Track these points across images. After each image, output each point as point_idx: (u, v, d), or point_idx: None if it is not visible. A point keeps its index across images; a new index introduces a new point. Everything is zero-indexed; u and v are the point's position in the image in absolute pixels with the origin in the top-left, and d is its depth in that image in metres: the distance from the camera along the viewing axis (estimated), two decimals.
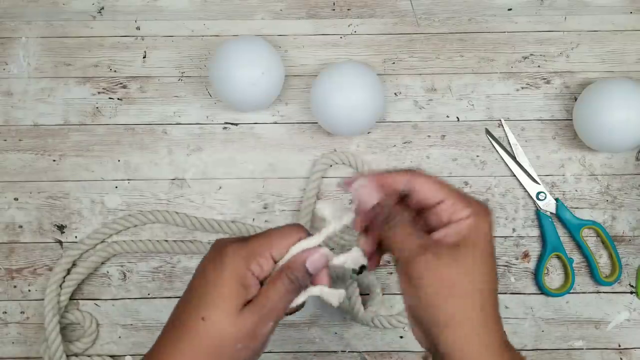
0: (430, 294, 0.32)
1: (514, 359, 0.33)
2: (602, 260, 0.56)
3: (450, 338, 0.32)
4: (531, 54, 0.57)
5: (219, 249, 0.35)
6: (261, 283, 0.36)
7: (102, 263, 0.55)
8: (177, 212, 0.55)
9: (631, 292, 0.55)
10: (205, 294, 0.34)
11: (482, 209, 0.34)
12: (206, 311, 0.34)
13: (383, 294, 0.55)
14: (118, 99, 0.57)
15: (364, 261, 0.37)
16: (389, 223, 0.34)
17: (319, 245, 0.36)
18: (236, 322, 0.34)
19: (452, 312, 0.32)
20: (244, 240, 0.36)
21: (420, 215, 0.36)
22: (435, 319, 0.32)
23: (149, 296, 0.56)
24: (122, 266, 0.56)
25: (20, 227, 0.56)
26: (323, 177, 0.56)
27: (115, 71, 0.57)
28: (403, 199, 0.35)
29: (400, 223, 0.34)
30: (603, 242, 0.55)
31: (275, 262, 0.36)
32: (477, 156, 0.56)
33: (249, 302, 0.34)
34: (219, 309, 0.34)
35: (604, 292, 0.56)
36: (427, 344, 0.34)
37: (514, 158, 0.53)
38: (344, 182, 0.36)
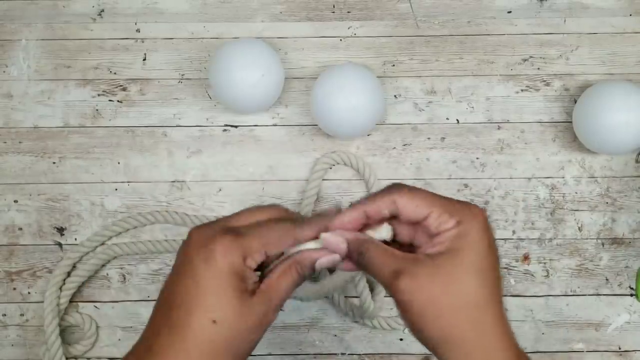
0: (417, 316, 0.32)
1: None
2: None
3: (453, 358, 0.32)
4: (531, 57, 0.57)
5: (205, 243, 0.33)
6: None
7: (102, 265, 0.55)
8: (176, 212, 0.55)
9: (631, 295, 0.55)
10: (206, 293, 0.32)
11: (470, 215, 0.33)
12: (216, 313, 0.32)
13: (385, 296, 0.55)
14: (118, 101, 0.57)
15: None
16: (363, 260, 0.34)
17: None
18: (246, 317, 0.33)
19: (444, 332, 0.31)
20: (232, 233, 0.34)
21: (416, 230, 0.35)
22: (431, 342, 0.32)
23: (149, 299, 0.56)
24: (121, 268, 0.56)
25: (20, 229, 0.56)
26: (323, 179, 0.56)
27: (115, 73, 0.57)
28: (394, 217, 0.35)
29: (372, 254, 0.34)
30: None
31: (268, 256, 0.35)
32: (477, 158, 0.56)
33: (253, 291, 0.34)
34: (228, 309, 0.32)
35: (604, 295, 0.56)
36: None
37: None
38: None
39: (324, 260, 0.36)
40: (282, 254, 0.36)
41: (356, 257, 0.35)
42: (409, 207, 0.34)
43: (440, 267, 0.32)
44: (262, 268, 0.36)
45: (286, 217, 0.37)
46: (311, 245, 0.36)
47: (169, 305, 0.33)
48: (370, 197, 0.35)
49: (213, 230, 0.34)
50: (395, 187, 0.35)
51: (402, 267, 0.32)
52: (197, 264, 0.33)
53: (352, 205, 0.36)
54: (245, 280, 0.33)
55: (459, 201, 0.34)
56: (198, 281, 0.32)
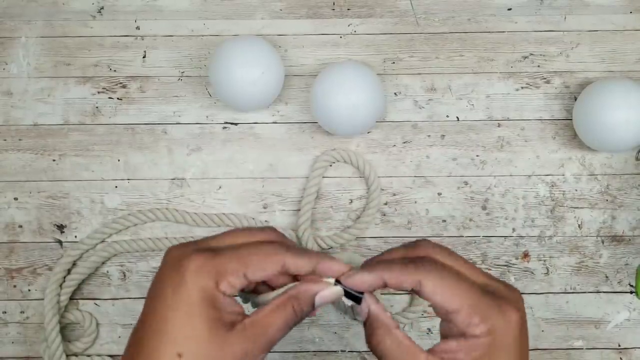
0: None
1: None
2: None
3: None
4: (531, 54, 0.57)
5: (177, 264, 0.30)
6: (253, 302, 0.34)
7: (102, 263, 0.56)
8: (176, 210, 0.55)
9: (631, 292, 0.55)
10: (173, 323, 0.29)
11: (503, 321, 0.30)
12: (182, 346, 0.29)
13: (382, 293, 0.55)
14: (118, 98, 0.57)
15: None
16: (376, 344, 0.31)
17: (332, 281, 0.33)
18: (219, 352, 0.29)
19: None
20: (208, 252, 0.30)
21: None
22: None
23: None
24: (122, 266, 0.56)
25: (20, 226, 0.56)
26: (323, 177, 0.56)
27: (115, 71, 0.57)
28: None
29: (389, 346, 0.31)
30: None
31: (250, 281, 0.31)
32: (477, 156, 0.56)
33: (232, 324, 0.30)
34: (196, 341, 0.29)
35: (603, 292, 0.56)
36: None
37: None
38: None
39: (326, 293, 0.32)
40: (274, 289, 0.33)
41: (367, 334, 0.32)
42: (435, 296, 0.30)
43: None
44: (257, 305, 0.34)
45: (278, 241, 0.33)
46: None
47: (140, 334, 0.31)
48: (394, 265, 0.31)
49: (188, 250, 0.31)
50: (424, 266, 0.31)
51: None
52: (167, 289, 0.30)
53: (370, 265, 0.32)
54: (218, 308, 0.30)
55: (492, 296, 0.30)
56: (166, 309, 0.30)
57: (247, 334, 0.30)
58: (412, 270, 0.31)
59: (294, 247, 0.32)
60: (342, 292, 0.32)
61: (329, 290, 0.32)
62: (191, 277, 0.29)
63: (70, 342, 0.55)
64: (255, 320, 0.31)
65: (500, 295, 0.31)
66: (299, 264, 0.32)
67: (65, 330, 0.56)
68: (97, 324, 0.56)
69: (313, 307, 0.32)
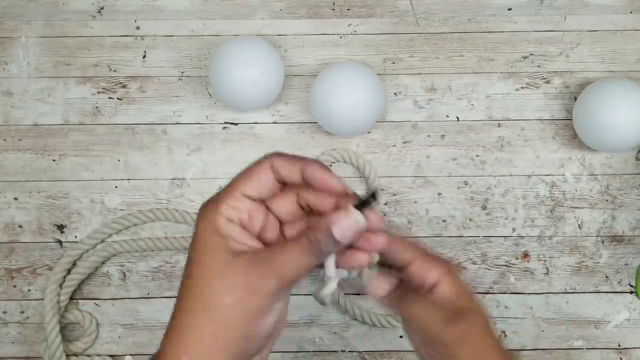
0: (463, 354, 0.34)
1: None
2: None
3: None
4: (531, 54, 0.57)
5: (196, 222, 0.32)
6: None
7: (102, 263, 0.56)
8: (176, 210, 0.55)
9: (631, 292, 0.55)
10: (189, 259, 0.30)
11: (448, 268, 0.35)
12: (189, 269, 0.30)
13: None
14: (118, 98, 0.57)
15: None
16: (408, 302, 0.35)
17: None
18: (222, 273, 0.29)
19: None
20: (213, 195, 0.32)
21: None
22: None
23: (149, 296, 0.56)
24: (122, 266, 0.56)
25: (20, 226, 0.56)
26: None
27: (115, 71, 0.57)
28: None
29: (417, 300, 0.34)
30: None
31: (255, 199, 0.31)
32: (477, 156, 0.56)
33: (242, 252, 0.29)
34: (201, 264, 0.29)
35: (603, 292, 0.56)
36: None
37: None
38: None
39: (343, 224, 0.29)
40: None
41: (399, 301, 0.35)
42: (393, 250, 0.35)
43: (467, 315, 0.35)
44: None
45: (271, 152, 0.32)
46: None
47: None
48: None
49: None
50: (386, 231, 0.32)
51: (450, 317, 0.34)
52: (191, 243, 0.31)
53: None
54: (223, 235, 0.30)
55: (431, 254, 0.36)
56: (190, 245, 0.31)
57: (254, 258, 0.29)
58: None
59: (287, 153, 0.31)
60: (363, 220, 0.29)
61: (346, 221, 0.29)
62: (200, 221, 0.30)
63: (70, 342, 0.55)
64: (266, 249, 0.30)
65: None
66: (287, 165, 0.31)
67: (65, 330, 0.56)
68: (97, 324, 0.56)
69: (335, 240, 0.29)
